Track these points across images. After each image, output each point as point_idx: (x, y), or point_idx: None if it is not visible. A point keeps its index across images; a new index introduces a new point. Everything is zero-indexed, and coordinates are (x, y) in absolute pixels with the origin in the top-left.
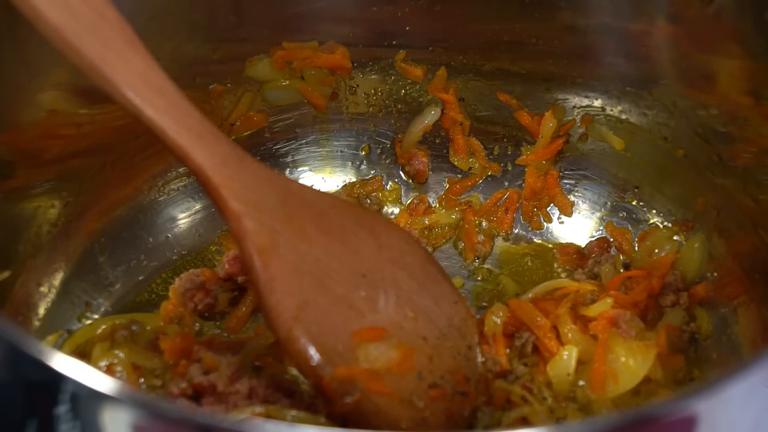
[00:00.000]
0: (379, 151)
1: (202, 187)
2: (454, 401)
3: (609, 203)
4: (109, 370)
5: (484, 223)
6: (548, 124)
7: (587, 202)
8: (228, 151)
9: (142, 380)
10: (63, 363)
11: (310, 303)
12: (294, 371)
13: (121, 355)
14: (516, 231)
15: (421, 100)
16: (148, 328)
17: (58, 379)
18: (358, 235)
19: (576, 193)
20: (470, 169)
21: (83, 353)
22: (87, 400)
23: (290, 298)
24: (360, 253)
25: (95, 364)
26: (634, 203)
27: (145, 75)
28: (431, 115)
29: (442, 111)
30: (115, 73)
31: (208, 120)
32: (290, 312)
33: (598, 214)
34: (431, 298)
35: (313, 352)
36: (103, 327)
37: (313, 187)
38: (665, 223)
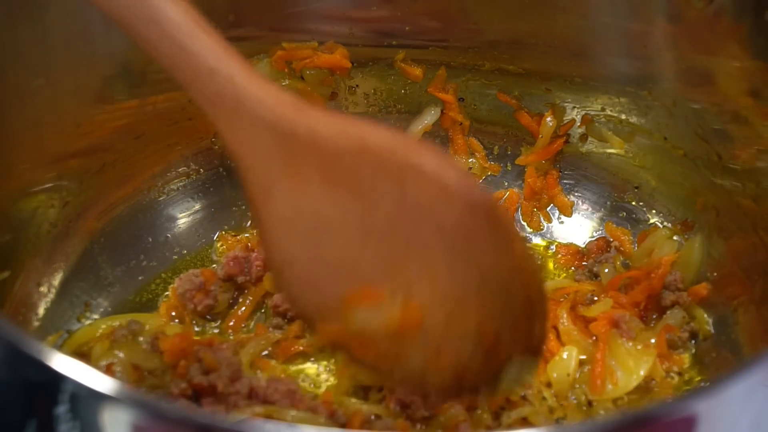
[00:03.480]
0: None
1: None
2: (474, 359)
3: (609, 203)
4: (109, 370)
5: None
6: (548, 124)
7: (587, 202)
8: (234, 95)
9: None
10: (62, 363)
11: (297, 260)
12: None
13: (121, 355)
14: None
15: (421, 100)
16: (148, 327)
17: (57, 379)
18: (375, 187)
19: (576, 193)
20: (470, 169)
21: (83, 353)
22: (86, 400)
23: (276, 252)
24: (373, 208)
25: (95, 364)
26: (633, 203)
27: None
28: (431, 115)
29: (441, 111)
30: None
31: (227, 62)
32: (275, 266)
33: (598, 214)
34: (463, 259)
35: (296, 305)
36: (103, 327)
37: (336, 122)
38: (665, 223)
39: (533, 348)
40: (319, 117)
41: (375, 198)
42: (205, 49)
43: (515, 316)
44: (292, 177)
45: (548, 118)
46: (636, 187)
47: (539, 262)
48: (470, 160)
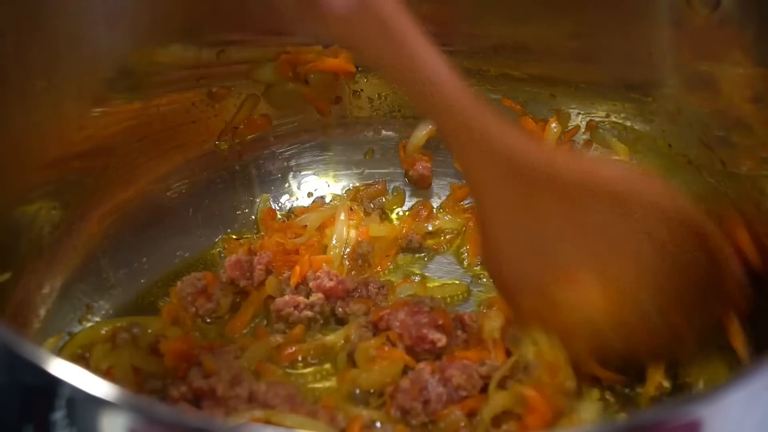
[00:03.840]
0: (382, 155)
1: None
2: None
3: None
4: (109, 374)
5: None
6: (552, 130)
7: None
8: (478, 125)
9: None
10: (59, 367)
11: (513, 261)
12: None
13: (122, 356)
14: None
15: None
16: (149, 331)
17: (54, 383)
18: (602, 215)
19: None
20: None
21: (84, 356)
22: (84, 404)
23: (494, 259)
24: (597, 237)
25: (95, 366)
26: None
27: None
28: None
29: None
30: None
31: (452, 78)
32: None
33: None
34: (679, 273)
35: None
36: (105, 330)
37: (571, 159)
38: None
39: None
40: (556, 154)
41: (600, 222)
42: (463, 99)
43: (708, 312)
44: (524, 200)
45: (553, 124)
46: None
47: None
48: None
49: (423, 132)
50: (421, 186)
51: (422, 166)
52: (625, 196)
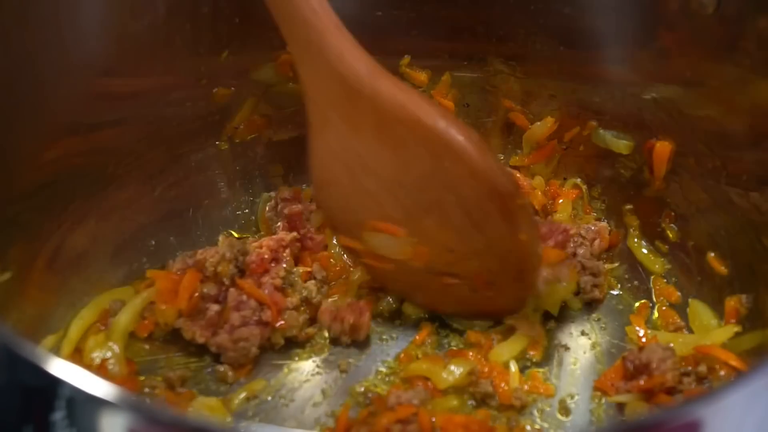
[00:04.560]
0: None
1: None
2: (473, 295)
3: None
4: (103, 366)
5: None
6: (540, 126)
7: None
8: (317, 43)
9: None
10: (59, 367)
11: (334, 183)
12: None
13: (116, 348)
14: None
15: None
16: (139, 301)
17: (54, 383)
18: (415, 153)
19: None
20: None
21: (80, 348)
22: (83, 404)
23: (319, 172)
24: (408, 167)
25: (88, 356)
26: None
27: None
28: None
29: None
30: None
31: (318, 16)
32: (316, 182)
33: None
34: (476, 228)
35: (328, 217)
36: (88, 316)
37: (397, 94)
38: None
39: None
40: (385, 85)
41: (414, 162)
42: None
43: (507, 277)
44: (348, 121)
45: (546, 122)
46: None
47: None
48: None
49: None
50: None
51: None
52: (438, 140)
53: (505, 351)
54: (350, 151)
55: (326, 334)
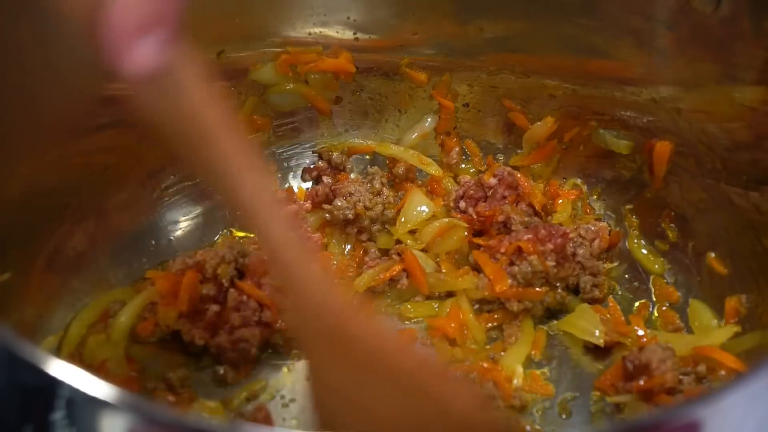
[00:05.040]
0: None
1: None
2: None
3: None
4: (103, 366)
5: None
6: (540, 125)
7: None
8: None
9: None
10: (59, 368)
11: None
12: None
13: (116, 348)
14: None
15: (425, 105)
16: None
17: (53, 383)
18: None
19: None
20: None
21: (80, 349)
22: (83, 404)
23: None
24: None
25: (88, 357)
26: None
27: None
28: (427, 123)
29: (438, 118)
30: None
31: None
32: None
33: None
34: None
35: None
36: (87, 317)
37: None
38: None
39: None
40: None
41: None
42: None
43: None
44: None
45: (546, 122)
46: None
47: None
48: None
49: (414, 134)
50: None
51: (404, 168)
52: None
53: (513, 359)
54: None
55: None
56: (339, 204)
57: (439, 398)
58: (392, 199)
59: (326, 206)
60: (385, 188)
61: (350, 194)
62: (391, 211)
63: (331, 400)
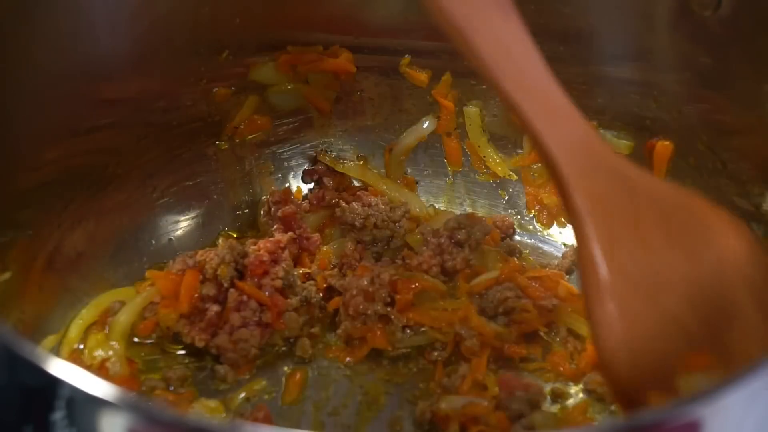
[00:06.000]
0: (382, 155)
1: (547, 170)
2: None
3: None
4: (103, 366)
5: None
6: None
7: None
8: (584, 138)
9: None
10: (59, 367)
11: (639, 323)
12: None
13: (116, 348)
14: None
15: (426, 105)
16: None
17: (54, 383)
18: (704, 242)
19: None
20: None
21: (80, 349)
22: (83, 404)
23: (620, 319)
24: (701, 264)
25: (88, 356)
26: None
27: (509, 45)
28: (426, 125)
29: (437, 119)
30: (476, 37)
31: (568, 99)
32: (617, 334)
33: None
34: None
35: (632, 376)
36: (88, 317)
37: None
38: None
39: None
40: (646, 173)
41: (702, 251)
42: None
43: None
44: (634, 230)
45: None
46: None
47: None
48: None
49: (413, 136)
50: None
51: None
52: (720, 223)
53: None
54: (646, 268)
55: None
56: (354, 207)
57: (716, 232)
58: (405, 231)
59: (342, 203)
60: (404, 219)
61: (369, 205)
62: (398, 240)
63: (624, 304)
